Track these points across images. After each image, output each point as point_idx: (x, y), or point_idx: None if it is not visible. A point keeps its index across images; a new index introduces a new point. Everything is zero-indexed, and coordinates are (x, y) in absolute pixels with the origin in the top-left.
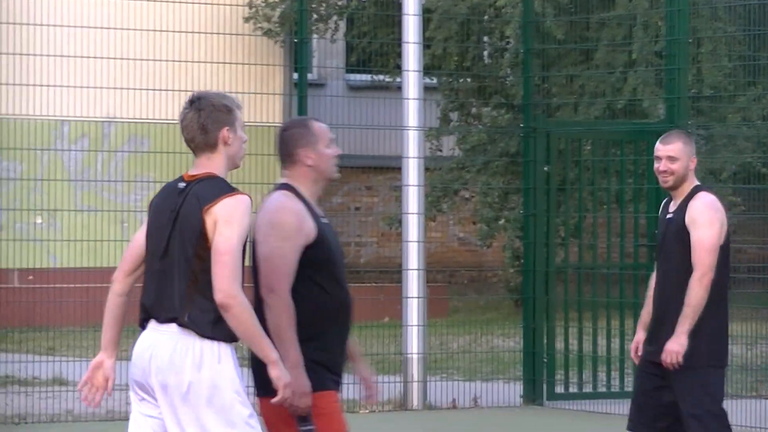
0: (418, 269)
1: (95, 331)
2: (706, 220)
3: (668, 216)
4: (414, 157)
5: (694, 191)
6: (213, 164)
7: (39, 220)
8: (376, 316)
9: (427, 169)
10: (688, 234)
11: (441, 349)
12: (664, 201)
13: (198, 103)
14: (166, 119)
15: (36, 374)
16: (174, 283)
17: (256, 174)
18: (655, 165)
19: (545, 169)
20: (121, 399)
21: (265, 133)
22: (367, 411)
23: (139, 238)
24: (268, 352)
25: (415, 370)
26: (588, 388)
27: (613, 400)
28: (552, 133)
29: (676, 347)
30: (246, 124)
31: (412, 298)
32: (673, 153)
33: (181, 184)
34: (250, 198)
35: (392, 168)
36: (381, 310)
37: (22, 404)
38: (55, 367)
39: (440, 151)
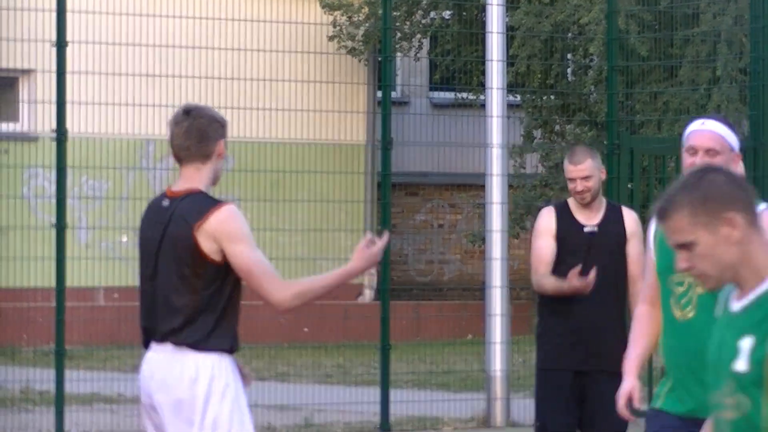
0: (501, 286)
1: None
2: (641, 232)
3: (588, 229)
4: (497, 175)
5: (612, 203)
6: (199, 177)
7: (125, 239)
8: (460, 334)
9: (510, 187)
10: (624, 246)
11: (524, 366)
12: (549, 209)
13: (196, 112)
14: (251, 137)
15: (121, 392)
16: (169, 302)
17: (340, 191)
18: (570, 186)
19: (629, 186)
20: None
21: (349, 151)
22: (451, 428)
23: None
24: (335, 278)
25: (498, 387)
26: None
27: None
28: (636, 150)
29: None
30: (331, 142)
31: (496, 315)
32: (586, 172)
33: (165, 202)
34: (233, 204)
35: (476, 185)
36: (464, 327)
37: (108, 421)
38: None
39: (523, 168)
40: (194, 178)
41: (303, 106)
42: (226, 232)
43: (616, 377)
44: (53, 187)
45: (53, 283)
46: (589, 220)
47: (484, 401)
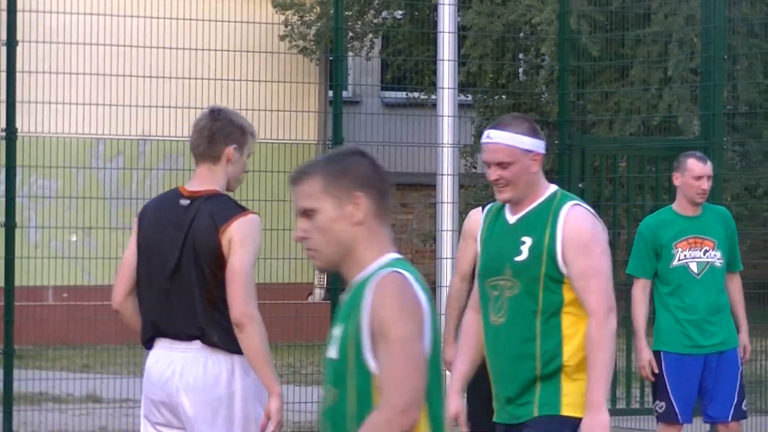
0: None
1: (129, 349)
2: None
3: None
4: (448, 174)
5: None
6: (214, 178)
7: (74, 238)
8: None
9: (461, 186)
10: None
11: None
12: (476, 212)
13: (216, 114)
14: None
15: (70, 391)
16: (193, 300)
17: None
18: (489, 177)
19: (580, 185)
20: None
21: (301, 151)
22: None
23: (129, 257)
24: (273, 381)
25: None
26: (621, 404)
27: (645, 416)
28: (587, 150)
29: None
30: (282, 141)
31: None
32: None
33: (184, 201)
34: (259, 216)
35: (427, 185)
36: None
37: (57, 421)
38: (90, 384)
39: (475, 168)
40: (207, 178)
41: (254, 106)
42: (242, 234)
43: None
44: (2, 187)
45: (2, 283)
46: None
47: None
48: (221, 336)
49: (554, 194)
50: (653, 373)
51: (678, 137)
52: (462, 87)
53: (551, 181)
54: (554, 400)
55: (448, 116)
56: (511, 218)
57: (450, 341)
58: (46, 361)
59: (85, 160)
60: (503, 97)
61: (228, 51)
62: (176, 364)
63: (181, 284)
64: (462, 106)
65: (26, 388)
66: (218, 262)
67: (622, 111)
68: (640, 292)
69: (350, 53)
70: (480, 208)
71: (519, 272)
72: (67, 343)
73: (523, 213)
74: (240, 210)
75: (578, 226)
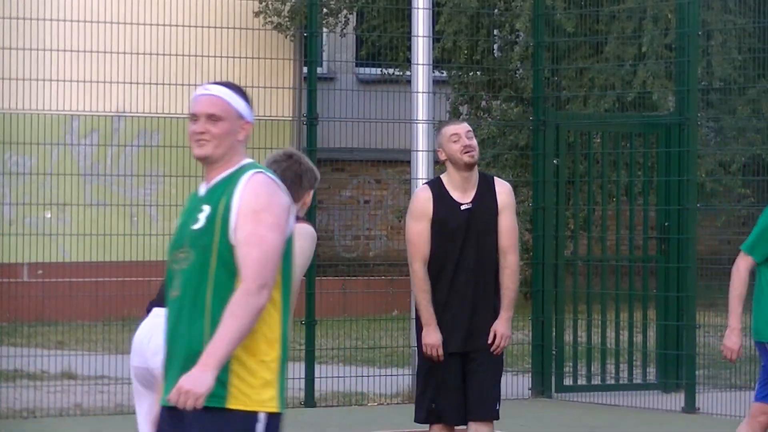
0: None
1: (104, 326)
2: (514, 204)
3: (465, 207)
4: (423, 151)
5: (484, 176)
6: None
7: (48, 215)
8: (386, 310)
9: (436, 163)
10: (496, 220)
11: None
12: (426, 191)
13: (297, 157)
14: (176, 113)
15: (45, 368)
16: None
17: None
18: (456, 145)
19: (555, 162)
20: (129, 393)
21: (275, 127)
22: (376, 404)
23: None
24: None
25: None
26: (597, 381)
27: (621, 392)
28: (562, 126)
29: (508, 331)
30: (257, 118)
31: None
32: (466, 130)
33: None
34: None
35: (402, 161)
36: (390, 303)
37: (31, 398)
38: (65, 361)
39: None
40: None
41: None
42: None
43: (488, 354)
44: None
45: None
46: (464, 197)
47: (409, 377)
48: None
49: (244, 165)
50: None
51: (652, 113)
52: (437, 63)
53: (525, 158)
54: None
55: (423, 92)
56: (202, 190)
57: (433, 325)
58: (21, 338)
59: (60, 137)
60: (478, 73)
61: (203, 27)
62: (152, 329)
63: None
64: (437, 83)
65: (1, 365)
66: None
67: (596, 87)
68: (746, 270)
69: (325, 29)
70: (427, 186)
71: (194, 241)
72: (42, 319)
73: (212, 183)
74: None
75: (254, 192)
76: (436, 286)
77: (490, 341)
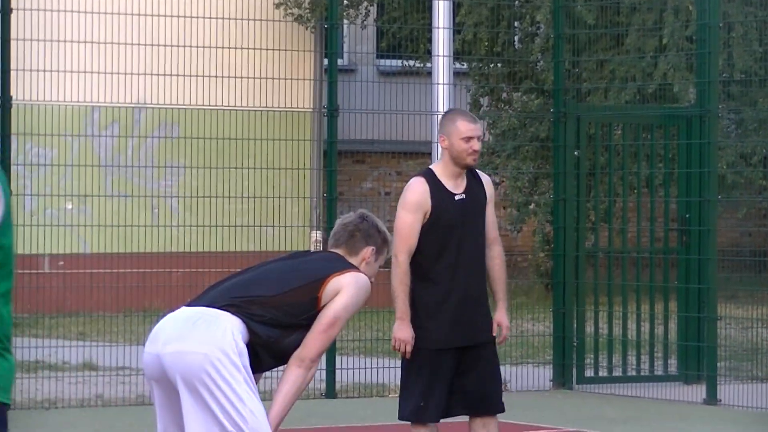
0: None
1: (125, 317)
2: (494, 196)
3: (459, 197)
4: None
5: (471, 169)
6: (348, 258)
7: (69, 206)
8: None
9: None
10: (485, 211)
11: None
12: (422, 182)
13: (365, 217)
14: (197, 105)
15: (66, 359)
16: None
17: (287, 159)
18: (466, 145)
19: (575, 153)
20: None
21: (296, 119)
22: (396, 395)
23: None
24: (278, 419)
25: None
26: (617, 372)
27: (642, 384)
28: (582, 118)
29: (508, 322)
30: (277, 109)
31: None
32: (480, 133)
33: None
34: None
35: (422, 153)
36: None
37: (53, 389)
38: (86, 352)
39: None
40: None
41: (249, 74)
42: (348, 286)
43: (491, 347)
44: None
45: None
46: (457, 187)
47: None
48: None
49: None
50: None
51: (673, 105)
52: (457, 55)
53: (546, 149)
54: None
55: (444, 84)
56: None
57: (407, 320)
58: (42, 329)
59: (81, 128)
60: (498, 65)
61: (224, 19)
62: (170, 320)
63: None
64: (457, 74)
65: (23, 356)
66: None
67: (617, 79)
68: None
69: (345, 21)
70: (422, 178)
71: None
72: (64, 311)
73: None
74: (346, 266)
75: None
76: (435, 278)
77: (495, 333)
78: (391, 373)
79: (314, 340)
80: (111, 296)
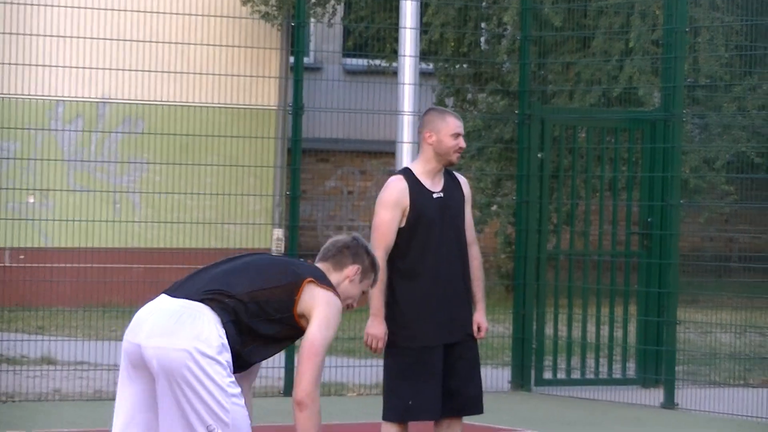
0: None
1: (85, 312)
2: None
3: (437, 195)
4: (408, 142)
5: (446, 169)
6: (329, 275)
7: (31, 200)
8: (366, 300)
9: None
10: (463, 211)
11: None
12: (400, 181)
13: (358, 240)
14: (162, 101)
15: (25, 353)
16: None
17: (251, 156)
18: (454, 142)
19: (539, 155)
20: (108, 379)
21: (261, 116)
22: (355, 394)
23: None
24: None
25: None
26: (576, 375)
27: (600, 387)
28: (547, 120)
29: (486, 323)
30: (242, 106)
31: None
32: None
33: None
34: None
35: (387, 152)
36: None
37: (11, 383)
38: (44, 346)
39: None
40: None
41: (215, 70)
42: (325, 306)
43: (473, 346)
44: None
45: None
46: (435, 186)
47: None
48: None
49: None
50: None
51: (638, 109)
52: (423, 55)
53: (510, 151)
54: None
55: (410, 84)
56: None
57: (380, 317)
58: (1, 323)
59: (44, 122)
60: (464, 65)
61: (190, 15)
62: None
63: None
64: (423, 74)
65: None
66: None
67: (582, 82)
68: None
69: (312, 19)
70: (401, 176)
71: None
72: (23, 304)
73: None
74: (327, 284)
75: None
76: (419, 276)
77: (475, 333)
78: (350, 372)
79: (301, 375)
80: (71, 291)
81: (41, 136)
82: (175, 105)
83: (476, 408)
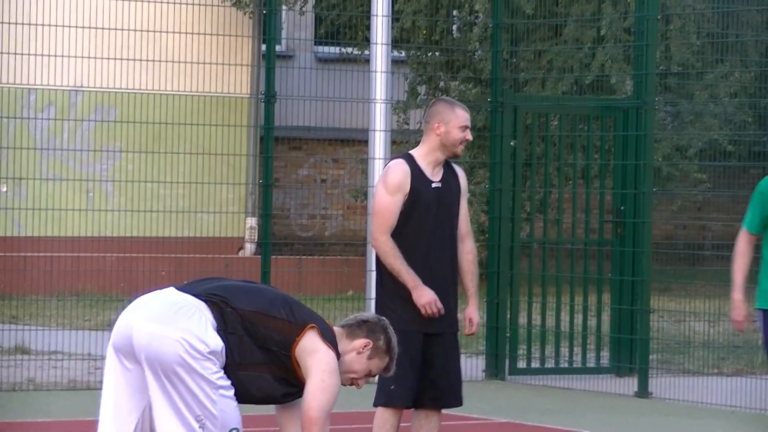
0: None
1: (59, 301)
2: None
3: (435, 185)
4: (381, 130)
5: (446, 161)
6: (341, 344)
7: (4, 189)
8: (341, 289)
9: (393, 143)
10: (459, 203)
11: None
12: (403, 164)
13: (383, 320)
14: (134, 89)
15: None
16: None
17: (224, 145)
18: (462, 134)
19: (512, 143)
20: (83, 369)
21: (233, 105)
22: None
23: None
24: None
25: None
26: (550, 364)
27: (574, 376)
28: (519, 108)
29: (478, 318)
30: (214, 94)
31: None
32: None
33: None
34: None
35: (359, 141)
36: (346, 282)
37: None
38: (18, 335)
39: (407, 124)
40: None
41: (187, 58)
42: (324, 366)
43: (455, 338)
44: None
45: None
46: (434, 176)
47: None
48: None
49: None
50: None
51: (610, 97)
52: (395, 43)
53: (482, 139)
54: None
55: (382, 72)
56: None
57: (421, 284)
58: None
59: (16, 110)
60: (436, 53)
61: (162, 2)
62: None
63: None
64: (395, 62)
65: None
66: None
67: (554, 69)
68: (744, 244)
69: (284, 7)
70: (403, 160)
71: None
72: None
73: None
74: (335, 347)
75: None
76: (409, 261)
77: (466, 328)
78: None
79: None
80: (44, 280)
81: (13, 125)
82: (148, 93)
83: (455, 400)
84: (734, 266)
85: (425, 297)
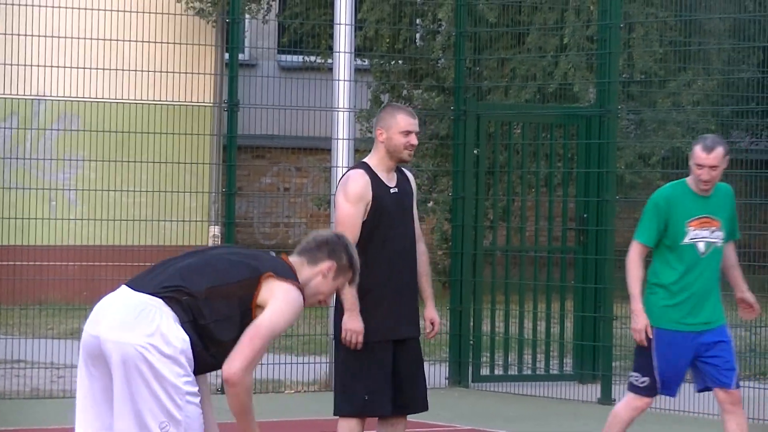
0: None
1: (21, 309)
2: None
3: (393, 190)
4: (344, 139)
5: (398, 167)
6: (301, 271)
7: None
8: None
9: (357, 151)
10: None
11: None
12: (363, 174)
13: (342, 238)
14: (97, 98)
15: None
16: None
17: (187, 153)
18: (404, 139)
19: (475, 152)
20: (46, 377)
21: (196, 113)
22: (293, 391)
23: None
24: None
25: None
26: (513, 371)
27: (537, 383)
28: (482, 116)
29: (438, 317)
30: (178, 103)
31: None
32: (418, 128)
33: None
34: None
35: (322, 149)
36: None
37: None
38: None
39: (370, 132)
40: (296, 268)
41: (150, 67)
42: (283, 298)
43: (418, 343)
44: None
45: None
46: (390, 181)
47: (326, 365)
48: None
49: None
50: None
51: (573, 105)
52: (359, 51)
53: (446, 147)
54: None
55: (345, 80)
56: None
57: (357, 311)
58: None
59: None
60: (400, 62)
61: (125, 11)
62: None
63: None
64: (358, 71)
65: None
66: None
67: (518, 77)
68: (637, 256)
69: (247, 16)
70: (362, 170)
71: None
72: None
73: None
74: (290, 275)
75: None
76: (374, 270)
77: (427, 330)
78: (288, 369)
79: (235, 353)
80: (7, 289)
81: None
82: (111, 102)
83: (421, 406)
84: (630, 278)
85: (355, 324)
